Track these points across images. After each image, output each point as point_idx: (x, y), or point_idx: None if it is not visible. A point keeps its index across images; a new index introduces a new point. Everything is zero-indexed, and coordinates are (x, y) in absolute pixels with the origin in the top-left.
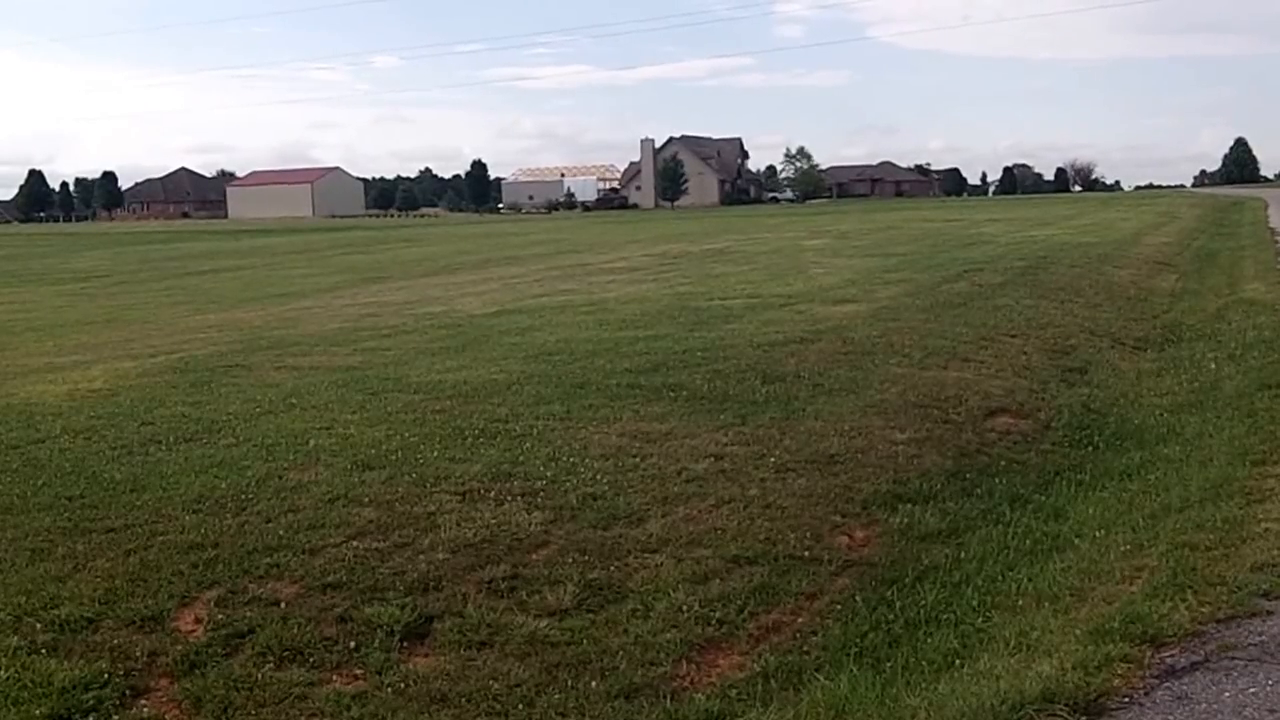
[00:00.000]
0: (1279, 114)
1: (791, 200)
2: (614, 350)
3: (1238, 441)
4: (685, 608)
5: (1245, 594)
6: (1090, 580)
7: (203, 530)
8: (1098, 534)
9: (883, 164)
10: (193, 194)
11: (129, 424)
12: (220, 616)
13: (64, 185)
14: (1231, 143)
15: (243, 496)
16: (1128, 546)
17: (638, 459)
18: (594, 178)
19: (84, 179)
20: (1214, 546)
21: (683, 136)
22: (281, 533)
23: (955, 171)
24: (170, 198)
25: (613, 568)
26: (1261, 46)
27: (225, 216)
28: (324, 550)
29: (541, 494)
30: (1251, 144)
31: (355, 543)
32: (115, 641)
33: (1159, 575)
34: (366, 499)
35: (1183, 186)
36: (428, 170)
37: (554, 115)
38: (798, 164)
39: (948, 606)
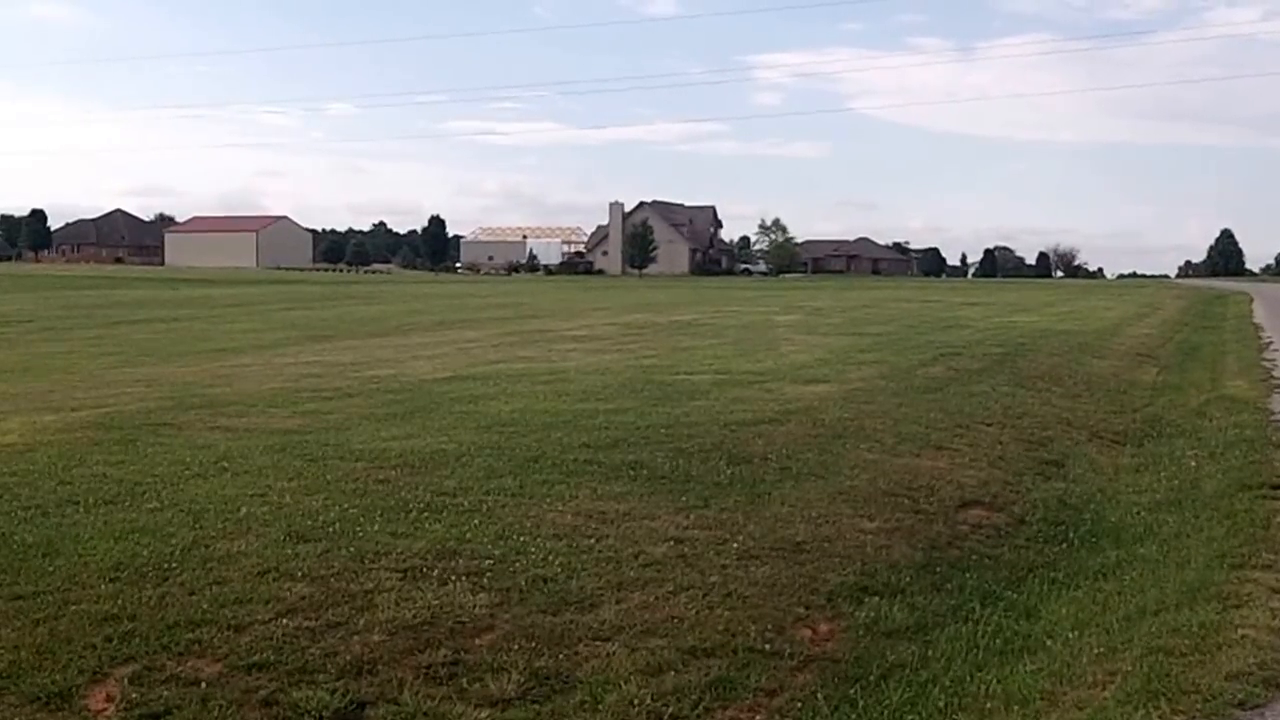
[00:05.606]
0: (1266, 207)
1: (764, 273)
2: (572, 423)
3: (1216, 543)
4: (637, 701)
5: (1220, 703)
6: (1061, 684)
7: (120, 601)
8: (1070, 635)
9: (860, 240)
10: (128, 238)
11: (45, 483)
12: (134, 695)
13: None
14: (1217, 234)
15: (165, 566)
16: (1101, 649)
17: (593, 540)
18: (558, 240)
19: (9, 216)
20: (1189, 652)
21: (654, 202)
22: (206, 606)
23: (934, 251)
24: (104, 241)
25: (561, 656)
26: (1251, 139)
27: (162, 263)
28: (251, 627)
29: (488, 574)
30: (1238, 236)
31: (285, 620)
32: None
33: (1132, 681)
34: (299, 573)
35: (1167, 276)
36: (382, 224)
37: (519, 173)
38: (772, 236)
39: (913, 707)
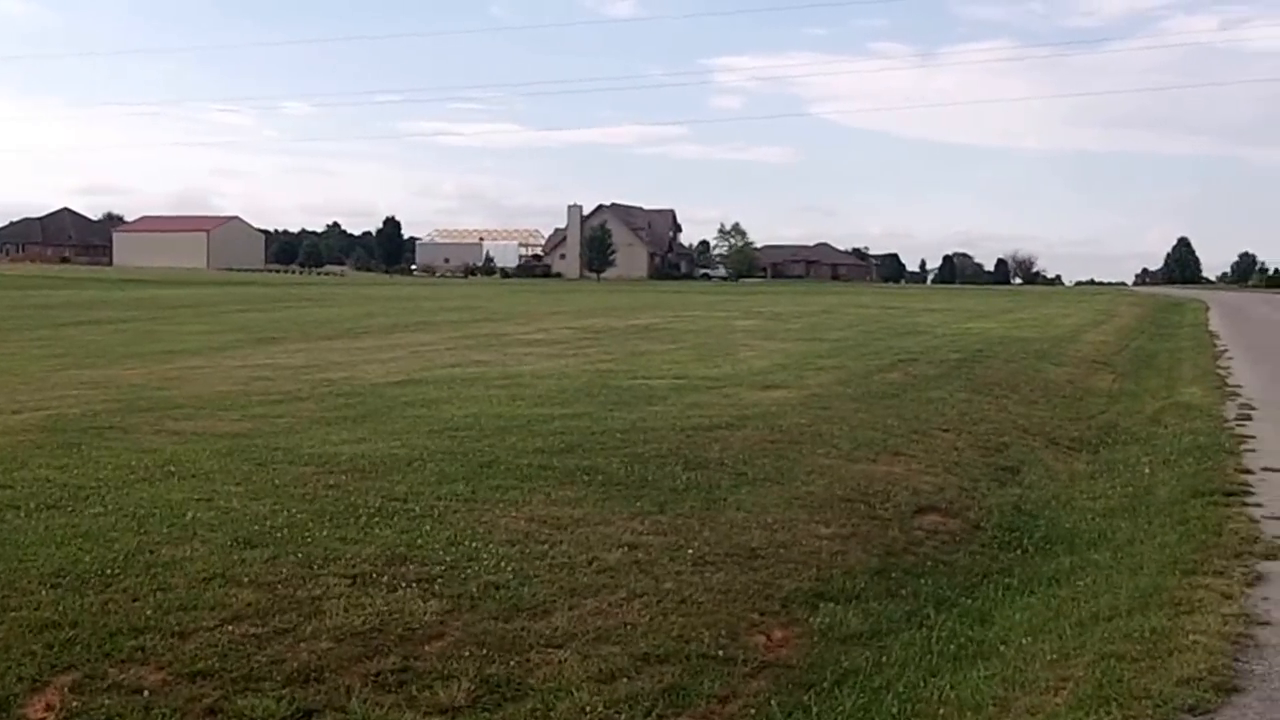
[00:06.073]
0: (1222, 216)
1: (724, 278)
2: (527, 428)
3: (1169, 550)
4: (589, 708)
5: (1170, 709)
6: (1014, 690)
7: (61, 608)
8: (1024, 641)
9: (820, 245)
10: (75, 237)
11: None
12: (75, 704)
13: None
14: (1175, 242)
15: (108, 572)
16: (1054, 655)
17: (546, 546)
18: (515, 243)
19: None
20: (1141, 658)
21: (613, 205)
22: (149, 613)
23: (894, 257)
24: (50, 240)
25: (513, 663)
26: (1209, 148)
27: (110, 264)
28: (196, 634)
29: (439, 581)
30: (1195, 244)
31: (231, 627)
32: None
33: (1084, 687)
34: (246, 579)
35: (1124, 284)
36: (336, 225)
37: (477, 175)
38: (732, 241)
39: (867, 713)
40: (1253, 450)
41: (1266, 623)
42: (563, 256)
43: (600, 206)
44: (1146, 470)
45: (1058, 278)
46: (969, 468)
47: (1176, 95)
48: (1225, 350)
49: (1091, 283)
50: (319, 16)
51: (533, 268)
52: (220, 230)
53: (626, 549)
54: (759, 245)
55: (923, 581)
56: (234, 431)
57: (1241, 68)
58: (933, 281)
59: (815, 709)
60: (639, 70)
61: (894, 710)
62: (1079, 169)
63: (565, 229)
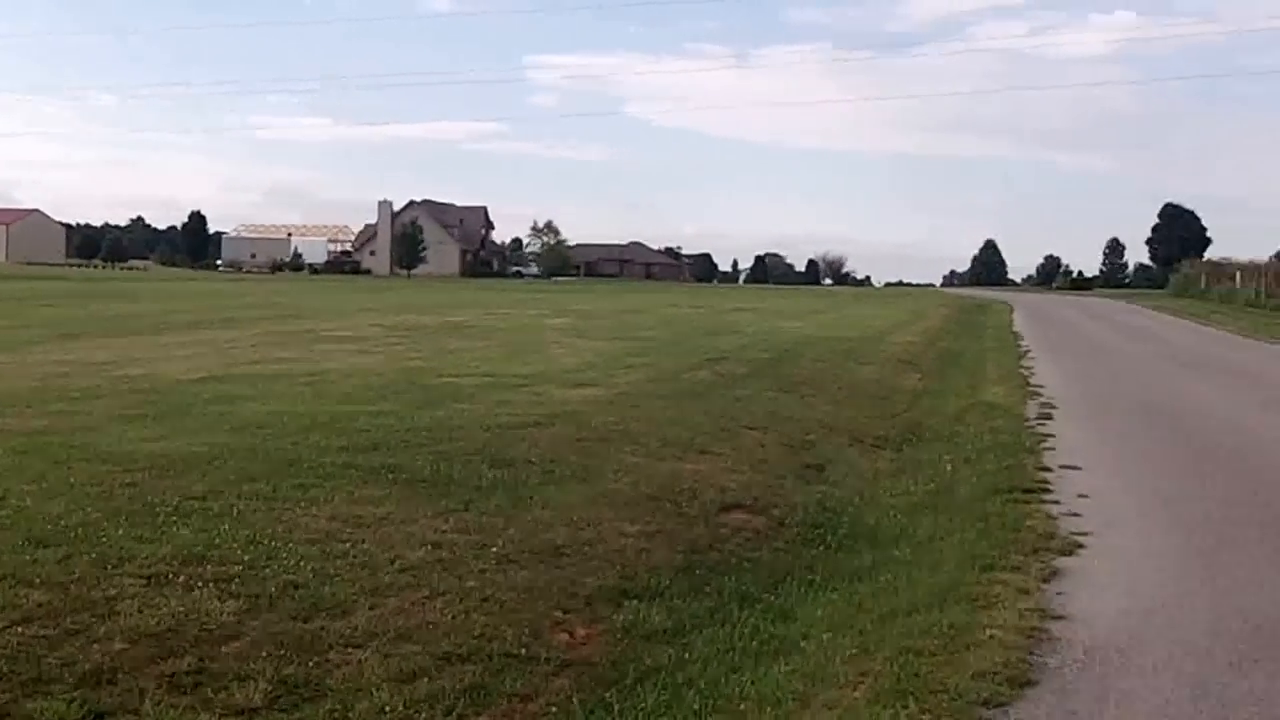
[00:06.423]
0: (1028, 219)
1: (537, 276)
2: (331, 426)
3: (969, 546)
4: (388, 708)
5: (965, 702)
6: (814, 685)
7: None
8: (825, 637)
9: (633, 244)
10: None
11: None
12: None
13: None
14: (982, 245)
15: None
16: (854, 650)
17: (348, 545)
18: (325, 239)
19: None
20: (939, 652)
21: (424, 201)
22: None
23: (707, 257)
24: None
25: (311, 663)
26: (1020, 152)
27: None
28: None
29: (237, 580)
30: (1001, 247)
31: (20, 628)
32: None
33: (883, 681)
34: (37, 579)
35: (933, 285)
36: (140, 219)
37: (286, 169)
38: (545, 239)
39: (668, 710)
40: (1051, 449)
41: (1061, 617)
42: (373, 253)
43: (412, 203)
44: (948, 468)
45: (868, 279)
46: (775, 465)
47: (987, 100)
48: (1028, 350)
49: (901, 284)
50: (127, 5)
51: (342, 264)
52: (19, 224)
53: (430, 547)
54: (573, 244)
55: (727, 578)
56: (30, 429)
57: (1050, 74)
58: (745, 281)
59: (617, 706)
60: (456, 66)
61: (695, 706)
62: (892, 172)
63: (376, 225)
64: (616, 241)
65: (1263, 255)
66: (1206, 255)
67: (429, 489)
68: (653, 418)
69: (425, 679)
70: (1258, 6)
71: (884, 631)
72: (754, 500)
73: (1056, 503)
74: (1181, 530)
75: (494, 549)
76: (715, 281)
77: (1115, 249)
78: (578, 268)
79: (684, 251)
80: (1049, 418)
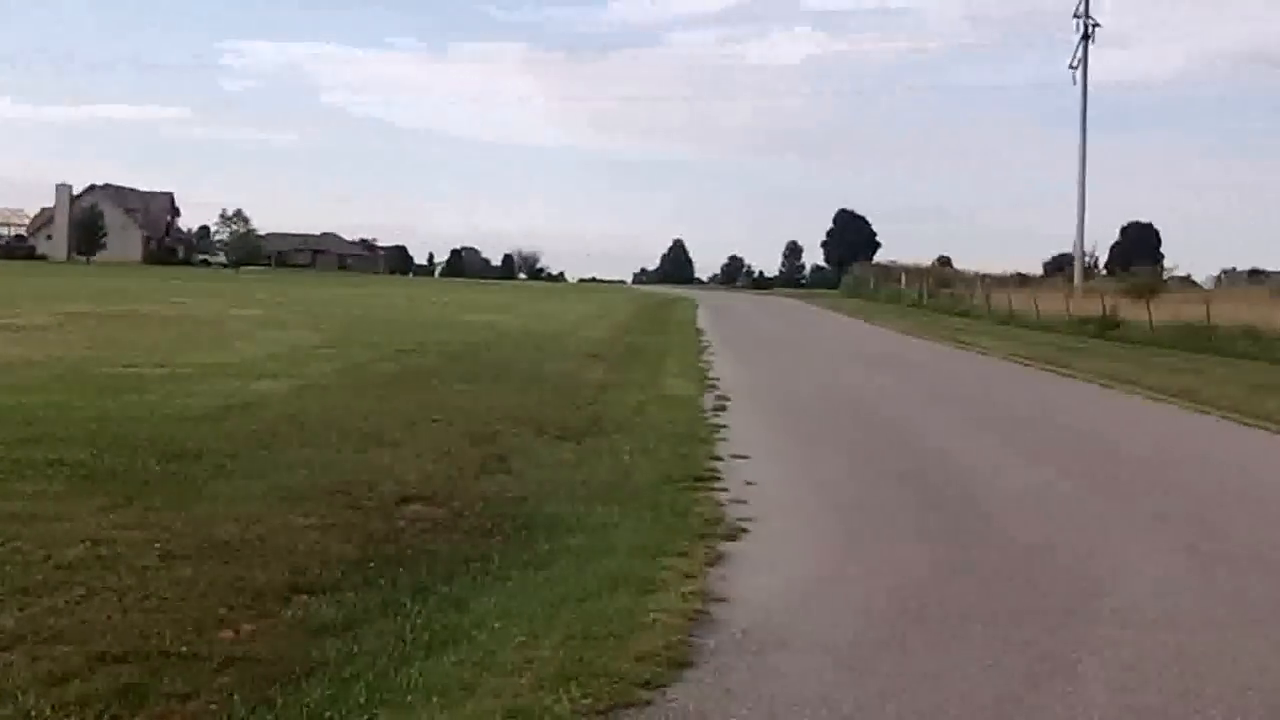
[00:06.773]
0: (713, 220)
1: (225, 265)
2: None
3: (640, 533)
4: (35, 713)
5: (626, 684)
6: (482, 673)
7: None
8: (496, 625)
9: (327, 235)
10: None
11: None
12: None
13: None
14: (670, 243)
15: None
16: (524, 638)
17: None
18: None
19: None
20: (605, 637)
21: (105, 186)
22: None
23: (402, 249)
24: None
25: None
26: (709, 155)
27: None
28: None
29: None
30: (688, 246)
31: None
32: None
33: (548, 667)
34: None
35: (624, 282)
36: None
37: None
38: (234, 227)
39: (333, 704)
40: (724, 439)
41: (723, 599)
42: (49, 238)
43: (93, 186)
44: (627, 458)
45: (561, 274)
46: (458, 457)
47: (677, 106)
48: (709, 346)
49: (594, 280)
50: None
51: (15, 249)
52: None
53: (89, 544)
54: (264, 233)
55: (402, 570)
56: None
57: (737, 84)
58: (440, 275)
59: (281, 701)
60: (147, 48)
61: (362, 700)
62: (588, 170)
63: (53, 209)
64: (310, 232)
65: (926, 258)
66: (876, 258)
67: (91, 483)
68: (336, 410)
69: (77, 681)
70: (930, 28)
71: (554, 618)
72: (434, 492)
73: (725, 490)
74: (837, 513)
75: (158, 545)
76: (411, 274)
77: (794, 251)
78: (269, 258)
79: (379, 243)
80: (723, 409)
